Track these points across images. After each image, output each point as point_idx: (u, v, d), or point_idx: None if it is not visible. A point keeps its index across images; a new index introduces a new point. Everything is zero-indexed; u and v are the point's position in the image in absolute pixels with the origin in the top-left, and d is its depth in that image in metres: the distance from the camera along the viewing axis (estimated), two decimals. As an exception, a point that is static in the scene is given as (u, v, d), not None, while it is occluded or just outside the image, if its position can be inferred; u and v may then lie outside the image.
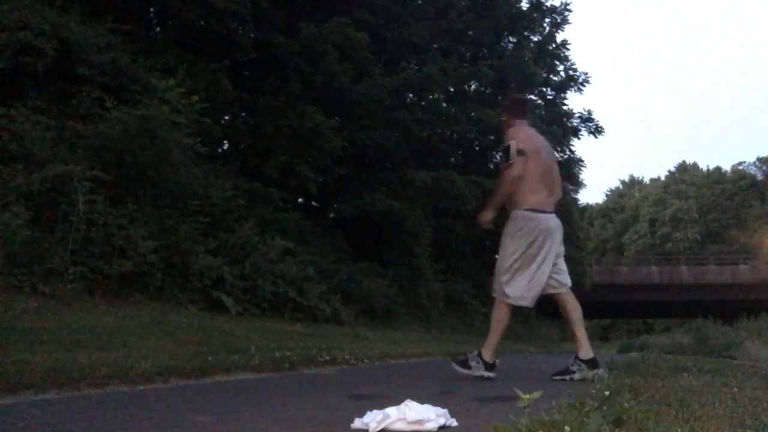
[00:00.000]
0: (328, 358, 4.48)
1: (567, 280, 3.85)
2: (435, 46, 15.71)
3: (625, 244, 55.84)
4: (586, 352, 3.67)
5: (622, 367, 4.02)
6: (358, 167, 12.93)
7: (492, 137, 17.30)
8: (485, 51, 19.62)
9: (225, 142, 12.07)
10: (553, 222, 3.73)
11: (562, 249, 3.85)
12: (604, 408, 1.81)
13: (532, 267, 3.67)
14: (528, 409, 1.61)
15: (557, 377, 3.65)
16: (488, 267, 19.64)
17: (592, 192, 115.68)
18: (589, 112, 21.83)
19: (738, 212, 51.69)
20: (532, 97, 21.66)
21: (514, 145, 3.61)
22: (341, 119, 12.06)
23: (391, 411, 1.79)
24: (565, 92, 22.45)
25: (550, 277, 3.73)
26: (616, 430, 1.58)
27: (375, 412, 1.80)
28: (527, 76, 19.18)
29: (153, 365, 2.99)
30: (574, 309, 3.84)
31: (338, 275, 10.12)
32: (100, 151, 6.62)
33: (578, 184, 23.75)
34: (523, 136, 3.70)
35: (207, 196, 7.73)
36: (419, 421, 1.76)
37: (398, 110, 13.16)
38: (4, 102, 6.30)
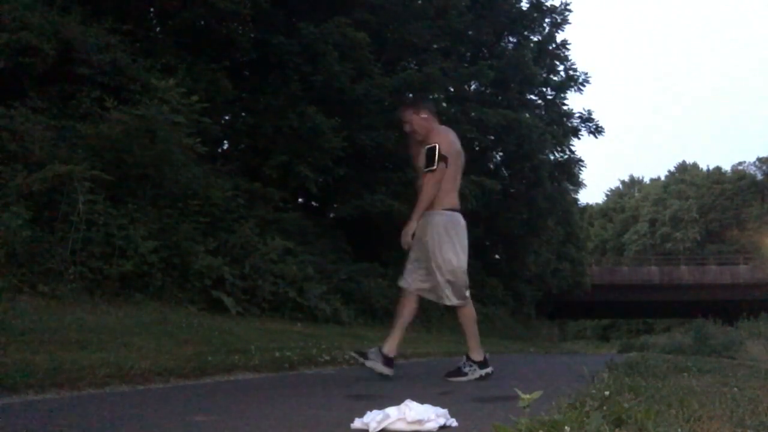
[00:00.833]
0: (328, 358, 4.48)
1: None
2: (435, 46, 15.70)
3: (625, 244, 55.85)
4: (477, 353, 3.71)
5: (622, 367, 4.02)
6: (358, 167, 12.93)
7: (492, 137, 17.31)
8: (485, 51, 19.61)
9: (225, 142, 12.08)
10: (463, 221, 3.78)
11: None
12: (604, 408, 1.81)
13: None
14: (528, 409, 1.61)
15: (452, 378, 3.61)
16: (488, 267, 19.71)
17: (592, 192, 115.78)
18: (589, 112, 21.88)
19: (738, 212, 51.69)
20: (532, 96, 21.69)
21: (437, 149, 3.60)
22: (341, 119, 12.05)
23: (391, 411, 1.79)
24: (565, 92, 22.46)
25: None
26: (616, 430, 1.58)
27: (375, 412, 1.80)
28: (527, 76, 19.19)
29: (153, 365, 2.99)
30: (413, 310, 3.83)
31: (338, 275, 10.12)
32: (100, 151, 6.63)
33: (578, 184, 23.76)
34: (446, 140, 3.70)
35: (207, 196, 7.73)
36: (419, 421, 1.76)
37: (398, 110, 13.15)
38: (4, 102, 6.30)
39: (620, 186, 66.63)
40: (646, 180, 65.52)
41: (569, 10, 21.26)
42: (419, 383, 3.40)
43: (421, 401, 1.88)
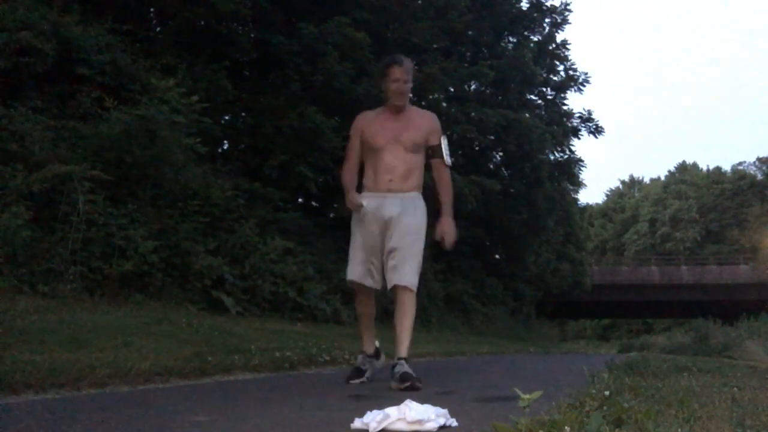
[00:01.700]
0: (328, 358, 4.48)
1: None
2: (435, 46, 15.69)
3: (625, 244, 55.84)
4: (368, 346, 3.40)
5: (622, 367, 4.02)
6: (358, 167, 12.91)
7: (492, 137, 17.31)
8: (485, 51, 19.61)
9: (225, 142, 12.06)
10: None
11: None
12: (604, 408, 1.81)
13: None
14: (528, 409, 1.61)
15: (354, 381, 3.22)
16: (488, 267, 19.71)
17: (592, 192, 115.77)
18: (589, 112, 21.87)
19: (738, 212, 51.69)
20: (532, 96, 21.69)
21: (445, 141, 3.32)
22: (341, 119, 12.05)
23: (391, 411, 1.79)
24: (565, 92, 22.47)
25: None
26: (616, 430, 1.58)
27: (375, 412, 1.80)
28: (527, 76, 19.18)
29: (153, 365, 2.99)
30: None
31: (338, 275, 10.10)
32: (100, 151, 6.63)
33: (578, 184, 23.76)
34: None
35: (207, 196, 7.73)
36: (419, 421, 1.76)
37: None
38: (4, 102, 6.30)
39: (620, 186, 66.63)
40: (646, 180, 65.55)
41: (569, 10, 21.28)
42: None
43: (421, 401, 1.88)
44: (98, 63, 7.55)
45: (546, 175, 19.56)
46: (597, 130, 21.90)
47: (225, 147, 12.24)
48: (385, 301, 3.55)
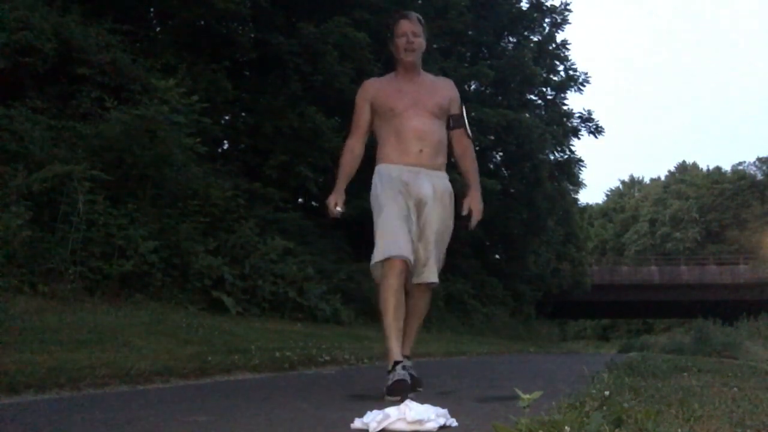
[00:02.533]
0: (328, 358, 4.48)
1: None
2: (435, 46, 15.70)
3: (625, 244, 55.83)
4: (400, 347, 2.73)
5: (622, 367, 4.02)
6: (358, 167, 12.91)
7: (492, 137, 17.30)
8: (485, 51, 19.62)
9: (225, 142, 12.07)
10: None
11: None
12: (604, 408, 1.81)
13: None
14: (528, 409, 1.61)
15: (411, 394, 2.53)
16: (488, 267, 19.71)
17: (592, 192, 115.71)
18: (589, 112, 21.86)
19: (738, 212, 51.66)
20: (532, 96, 21.68)
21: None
22: (341, 119, 12.05)
23: (391, 411, 1.79)
24: (565, 92, 22.46)
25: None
26: (616, 430, 1.58)
27: (375, 412, 1.80)
28: (527, 76, 19.18)
29: (153, 365, 3.00)
30: None
31: (338, 275, 10.12)
32: (100, 151, 6.63)
33: (578, 184, 23.76)
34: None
35: (207, 196, 7.73)
36: (419, 421, 1.76)
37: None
38: (4, 102, 6.31)
39: (620, 186, 66.66)
40: (646, 180, 65.58)
41: (569, 10, 21.29)
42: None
43: (421, 401, 1.88)
44: (98, 63, 7.56)
45: (546, 175, 19.56)
46: (597, 130, 21.90)
47: (225, 147, 12.25)
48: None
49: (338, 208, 2.93)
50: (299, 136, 11.07)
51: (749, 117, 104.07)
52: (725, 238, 50.65)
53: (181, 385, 2.89)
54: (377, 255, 2.66)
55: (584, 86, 22.13)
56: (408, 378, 2.54)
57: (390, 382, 2.50)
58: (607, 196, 66.55)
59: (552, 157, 21.03)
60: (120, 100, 7.23)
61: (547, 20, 21.55)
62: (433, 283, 2.79)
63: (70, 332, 3.63)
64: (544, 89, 22.14)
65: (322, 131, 11.02)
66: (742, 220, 50.67)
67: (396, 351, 2.61)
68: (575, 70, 22.21)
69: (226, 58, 10.62)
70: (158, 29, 11.25)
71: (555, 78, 22.29)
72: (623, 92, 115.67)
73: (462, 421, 1.89)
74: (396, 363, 2.57)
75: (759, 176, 54.63)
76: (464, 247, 16.91)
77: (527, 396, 1.62)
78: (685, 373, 3.71)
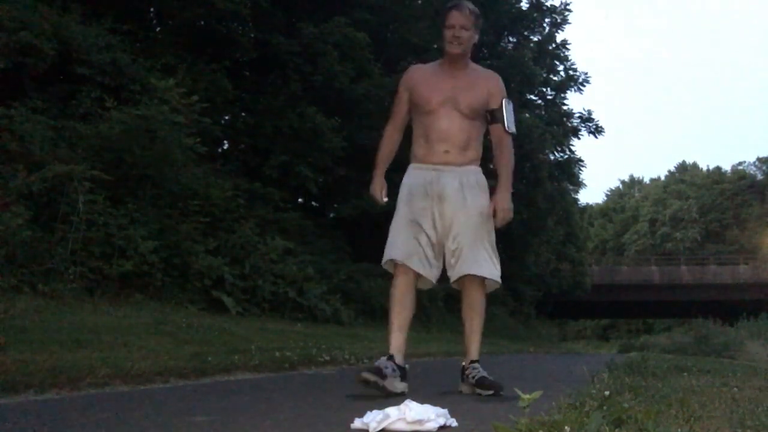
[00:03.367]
0: (328, 358, 4.47)
1: None
2: (435, 46, 15.69)
3: (625, 244, 55.83)
4: (396, 349, 2.76)
5: (622, 367, 4.02)
6: (358, 167, 12.91)
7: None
8: (485, 51, 19.60)
9: (225, 142, 12.07)
10: None
11: None
12: (604, 408, 1.81)
13: None
14: (528, 409, 1.61)
15: (368, 377, 2.51)
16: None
17: (592, 192, 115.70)
18: (589, 112, 21.83)
19: (738, 212, 51.68)
20: (532, 96, 21.67)
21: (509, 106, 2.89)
22: (341, 119, 12.06)
23: (391, 411, 1.79)
24: (565, 92, 22.44)
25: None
26: (616, 430, 1.58)
27: (375, 412, 1.80)
28: (527, 76, 19.17)
29: (153, 365, 3.00)
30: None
31: (338, 275, 10.12)
32: (100, 151, 6.64)
33: (578, 184, 23.76)
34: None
35: (207, 196, 7.73)
36: (419, 421, 1.76)
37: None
38: (4, 102, 6.31)
39: (620, 186, 66.65)
40: (646, 180, 65.58)
41: (569, 10, 21.26)
42: (419, 383, 3.39)
43: (421, 401, 1.88)
44: (98, 63, 7.55)
45: (546, 175, 19.55)
46: (597, 130, 21.89)
47: (225, 147, 12.25)
48: (386, 301, 3.04)
49: (384, 198, 2.92)
50: (299, 136, 11.07)
51: (749, 117, 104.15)
52: (725, 238, 50.66)
53: (181, 385, 2.89)
54: (384, 257, 2.80)
55: (584, 86, 22.12)
56: (384, 366, 2.56)
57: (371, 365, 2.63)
58: (607, 196, 66.60)
59: (552, 157, 21.01)
60: (120, 100, 7.23)
61: (547, 20, 21.54)
62: (479, 275, 2.73)
63: (70, 332, 3.63)
64: (544, 89, 22.12)
65: (322, 131, 11.02)
66: (742, 220, 50.69)
67: (392, 344, 2.70)
68: (575, 70, 22.21)
69: (226, 58, 10.62)
70: (158, 29, 11.25)
71: (555, 78, 22.27)
72: (623, 92, 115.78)
73: (462, 421, 1.89)
74: (389, 357, 2.66)
75: (759, 176, 54.63)
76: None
77: (527, 396, 1.62)
78: (685, 373, 3.71)
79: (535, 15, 21.02)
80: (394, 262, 2.76)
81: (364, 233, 12.96)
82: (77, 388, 2.47)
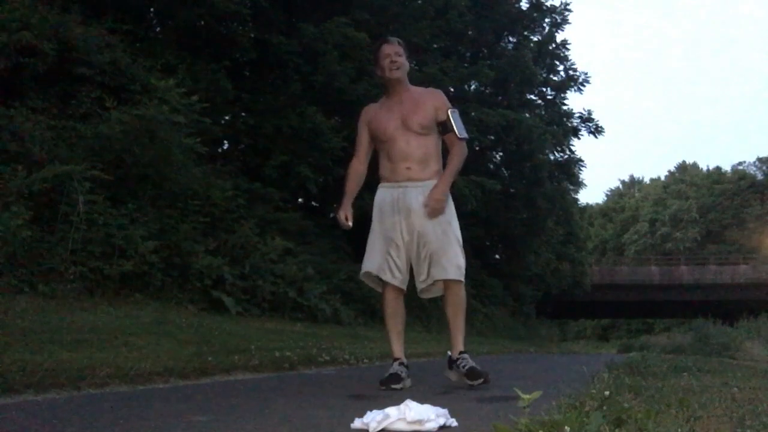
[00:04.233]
0: (328, 358, 4.47)
1: None
2: (435, 46, 15.70)
3: (625, 244, 55.83)
4: (398, 351, 3.18)
5: (622, 367, 4.02)
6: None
7: (492, 137, 17.30)
8: (485, 51, 19.60)
9: (225, 142, 12.07)
10: None
11: None
12: (604, 408, 1.81)
13: None
14: (528, 409, 1.61)
15: (395, 386, 2.89)
16: (488, 267, 19.71)
17: (592, 192, 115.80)
18: (589, 112, 21.83)
19: (738, 212, 51.66)
20: (532, 96, 21.67)
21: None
22: (341, 119, 12.05)
23: (391, 411, 1.79)
24: (565, 92, 22.44)
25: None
26: (616, 430, 1.58)
27: (375, 412, 1.80)
28: (527, 76, 19.16)
29: (153, 365, 3.00)
30: None
31: (338, 275, 10.12)
32: (100, 151, 6.63)
33: (578, 184, 23.75)
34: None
35: (207, 196, 7.73)
36: (419, 421, 1.76)
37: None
38: (4, 102, 6.31)
39: (620, 186, 66.70)
40: (646, 180, 65.59)
41: (569, 10, 21.26)
42: (419, 383, 3.39)
43: (421, 401, 1.88)
44: (98, 63, 7.55)
45: (546, 175, 19.55)
46: (597, 130, 21.88)
47: (225, 147, 12.24)
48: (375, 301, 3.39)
49: (349, 222, 3.27)
50: (299, 136, 11.07)
51: (749, 117, 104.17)
52: (725, 238, 50.64)
53: (181, 385, 2.89)
54: (361, 269, 3.22)
55: (584, 86, 22.13)
56: (399, 372, 2.96)
57: (385, 375, 2.95)
58: (607, 196, 66.63)
59: (552, 157, 21.01)
60: (120, 100, 7.23)
61: (546, 20, 21.53)
62: (449, 278, 3.05)
63: (70, 332, 3.63)
64: (544, 89, 22.12)
65: (322, 131, 11.02)
66: (742, 220, 50.67)
67: (394, 349, 3.13)
68: (575, 70, 22.21)
69: (226, 58, 10.62)
70: (158, 29, 11.25)
71: (555, 78, 22.27)
72: (623, 92, 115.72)
73: (462, 421, 1.90)
74: (394, 360, 3.08)
75: (759, 176, 54.63)
76: (464, 247, 16.89)
77: (527, 396, 1.62)
78: (685, 373, 3.71)
79: (535, 15, 21.02)
80: (369, 274, 3.14)
81: (364, 233, 12.96)
82: (77, 388, 2.47)
